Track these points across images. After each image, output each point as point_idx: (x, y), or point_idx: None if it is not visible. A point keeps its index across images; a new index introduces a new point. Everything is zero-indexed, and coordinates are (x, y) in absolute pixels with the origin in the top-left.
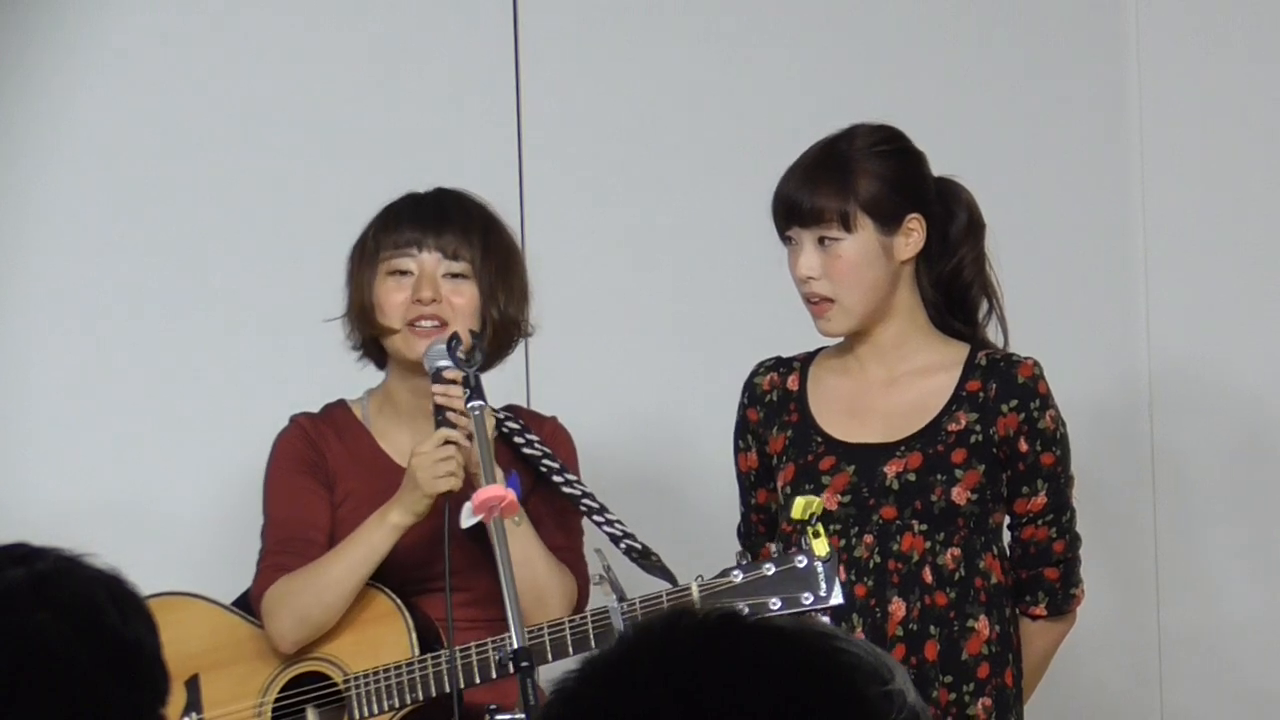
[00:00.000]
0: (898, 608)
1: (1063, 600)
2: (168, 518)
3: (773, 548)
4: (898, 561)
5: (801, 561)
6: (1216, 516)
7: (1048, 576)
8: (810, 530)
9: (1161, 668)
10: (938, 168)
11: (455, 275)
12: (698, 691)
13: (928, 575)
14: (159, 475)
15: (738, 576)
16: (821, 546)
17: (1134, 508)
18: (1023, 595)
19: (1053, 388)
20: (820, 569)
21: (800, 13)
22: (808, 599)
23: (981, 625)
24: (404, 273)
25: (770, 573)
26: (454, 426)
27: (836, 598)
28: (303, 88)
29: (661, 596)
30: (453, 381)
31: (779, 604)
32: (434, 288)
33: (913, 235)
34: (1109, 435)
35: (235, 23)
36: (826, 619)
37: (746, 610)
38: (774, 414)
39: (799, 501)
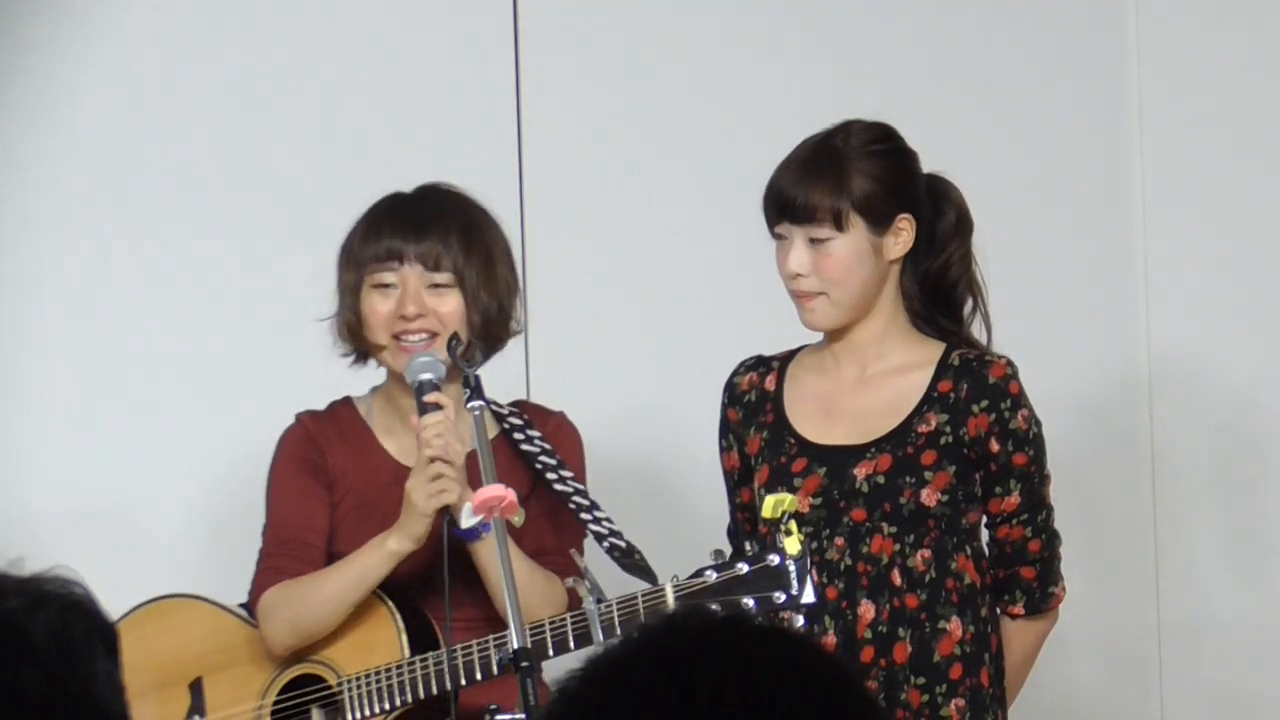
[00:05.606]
0: (866, 610)
1: (1041, 599)
2: (163, 520)
3: (747, 545)
4: (867, 564)
5: (774, 560)
6: (1215, 514)
7: (1024, 575)
8: (783, 529)
9: (1161, 664)
10: (940, 166)
11: (438, 285)
12: (700, 692)
13: (896, 577)
14: (153, 478)
15: (712, 576)
16: (793, 545)
17: (1133, 505)
18: (1001, 594)
19: (1052, 385)
20: (792, 567)
21: (798, 13)
22: (780, 598)
23: (954, 626)
24: (388, 285)
25: (744, 572)
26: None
27: (808, 596)
28: (302, 88)
29: (637, 598)
30: (435, 406)
31: (753, 604)
32: (418, 302)
33: (902, 235)
34: (1108, 433)
35: (234, 23)
36: (800, 618)
37: (720, 611)
38: (751, 414)
39: (769, 500)
